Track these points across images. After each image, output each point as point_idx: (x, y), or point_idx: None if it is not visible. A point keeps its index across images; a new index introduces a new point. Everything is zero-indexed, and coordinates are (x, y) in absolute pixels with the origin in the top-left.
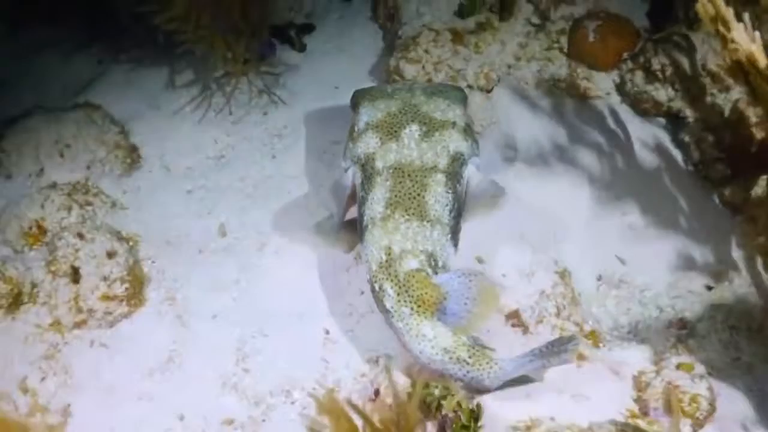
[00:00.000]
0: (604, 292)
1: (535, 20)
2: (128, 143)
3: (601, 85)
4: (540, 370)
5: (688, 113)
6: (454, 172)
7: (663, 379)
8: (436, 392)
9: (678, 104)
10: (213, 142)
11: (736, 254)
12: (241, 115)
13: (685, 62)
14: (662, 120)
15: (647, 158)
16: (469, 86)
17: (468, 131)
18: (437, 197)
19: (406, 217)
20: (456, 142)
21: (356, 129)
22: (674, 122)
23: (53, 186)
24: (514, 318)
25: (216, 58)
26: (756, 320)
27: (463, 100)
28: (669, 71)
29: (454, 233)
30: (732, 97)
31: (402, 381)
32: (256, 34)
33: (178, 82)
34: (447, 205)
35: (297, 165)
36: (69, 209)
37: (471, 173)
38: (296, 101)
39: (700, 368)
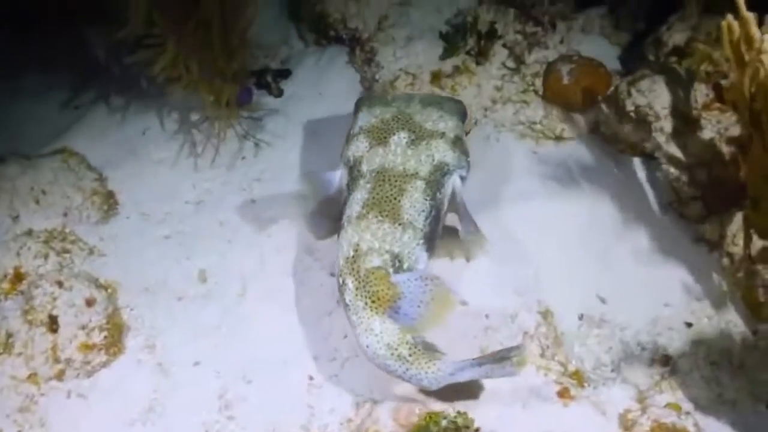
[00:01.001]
0: (586, 331)
1: (510, 64)
2: (105, 189)
3: (577, 126)
4: (483, 378)
5: (662, 153)
6: (435, 181)
7: (649, 417)
8: (444, 423)
9: (651, 144)
10: (191, 188)
11: (714, 290)
12: (220, 160)
13: (656, 103)
14: (637, 160)
15: (624, 198)
16: None
17: (457, 143)
18: (413, 203)
19: (380, 218)
20: (442, 152)
21: (351, 132)
22: (649, 162)
23: (29, 233)
24: None
25: (205, 103)
26: (736, 356)
27: (459, 113)
28: (642, 112)
29: (429, 239)
30: (705, 136)
31: (389, 426)
32: (238, 80)
33: (156, 128)
34: (423, 211)
35: (276, 209)
36: (46, 257)
37: (457, 184)
38: (274, 146)
39: (685, 405)
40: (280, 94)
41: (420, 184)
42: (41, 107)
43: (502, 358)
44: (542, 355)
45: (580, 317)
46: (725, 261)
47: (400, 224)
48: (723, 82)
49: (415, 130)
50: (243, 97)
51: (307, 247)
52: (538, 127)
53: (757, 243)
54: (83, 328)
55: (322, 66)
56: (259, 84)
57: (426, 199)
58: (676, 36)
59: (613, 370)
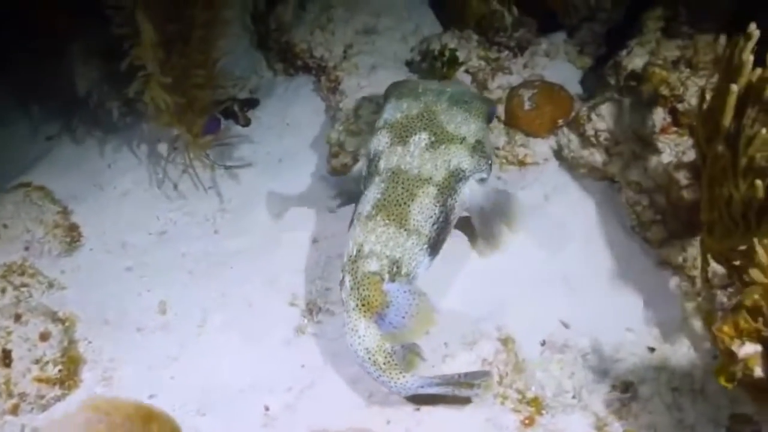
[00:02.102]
0: (548, 357)
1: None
2: (68, 222)
3: (539, 151)
4: (449, 395)
5: (622, 177)
6: (448, 187)
7: None
8: None
9: (613, 169)
10: (155, 219)
11: (677, 315)
12: (185, 191)
13: (616, 128)
14: (600, 183)
15: (588, 222)
16: None
17: (477, 148)
18: (422, 208)
19: (386, 221)
20: (459, 157)
21: (377, 124)
22: (611, 186)
23: None
24: None
25: (180, 134)
26: (698, 381)
27: (485, 115)
28: (602, 136)
29: (434, 244)
30: (664, 160)
31: None
32: (207, 110)
33: (123, 160)
34: (431, 217)
35: (239, 240)
36: (3, 291)
37: (473, 188)
38: (240, 175)
39: (644, 431)
40: (247, 123)
41: (432, 190)
42: (12, 138)
43: (469, 383)
44: (500, 383)
45: (543, 343)
46: (687, 285)
47: (405, 229)
48: (679, 105)
49: (436, 132)
50: (211, 127)
51: (268, 278)
52: (502, 152)
53: (715, 267)
54: (37, 362)
55: (290, 95)
56: (227, 113)
57: (436, 206)
58: (635, 60)
59: (574, 397)
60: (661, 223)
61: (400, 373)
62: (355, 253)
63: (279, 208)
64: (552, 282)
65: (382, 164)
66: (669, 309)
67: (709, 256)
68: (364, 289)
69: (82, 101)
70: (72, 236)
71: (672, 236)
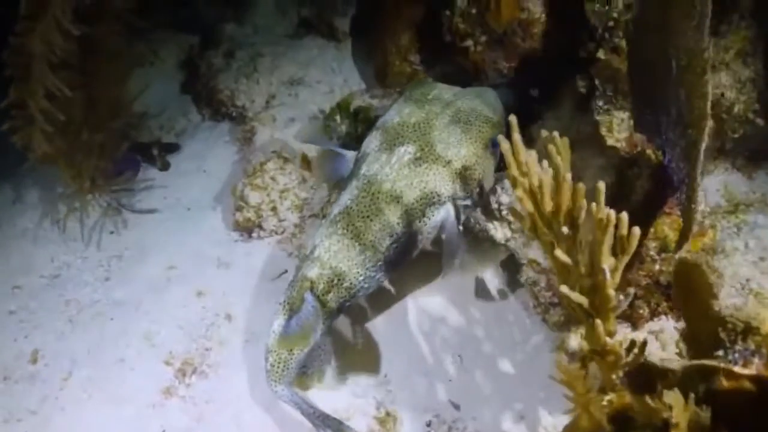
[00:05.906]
0: None
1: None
2: None
3: None
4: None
5: (522, 255)
6: (417, 209)
7: None
8: None
9: (514, 245)
10: (50, 261)
11: (568, 404)
12: (86, 234)
13: (517, 204)
14: (504, 260)
15: (491, 300)
16: (314, 215)
17: (461, 174)
18: (384, 226)
19: (344, 231)
20: (437, 181)
21: (377, 123)
22: (515, 263)
23: None
24: None
25: (64, 177)
26: None
27: (486, 140)
28: (504, 211)
29: (390, 263)
30: None
31: None
32: (108, 152)
33: (23, 199)
34: (391, 236)
35: (127, 290)
36: None
37: (449, 213)
38: (145, 221)
39: None
40: (165, 167)
41: (399, 208)
42: None
43: (324, 429)
44: None
45: (428, 423)
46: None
47: (361, 244)
48: None
49: (424, 149)
50: (125, 167)
51: (147, 332)
52: None
53: None
54: None
55: (211, 142)
56: (145, 156)
57: (399, 225)
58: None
59: None
60: (559, 305)
61: (277, 381)
62: (308, 252)
63: (175, 259)
64: (446, 360)
65: (363, 168)
66: (561, 398)
67: None
68: (293, 290)
69: None
70: None
71: (569, 320)
